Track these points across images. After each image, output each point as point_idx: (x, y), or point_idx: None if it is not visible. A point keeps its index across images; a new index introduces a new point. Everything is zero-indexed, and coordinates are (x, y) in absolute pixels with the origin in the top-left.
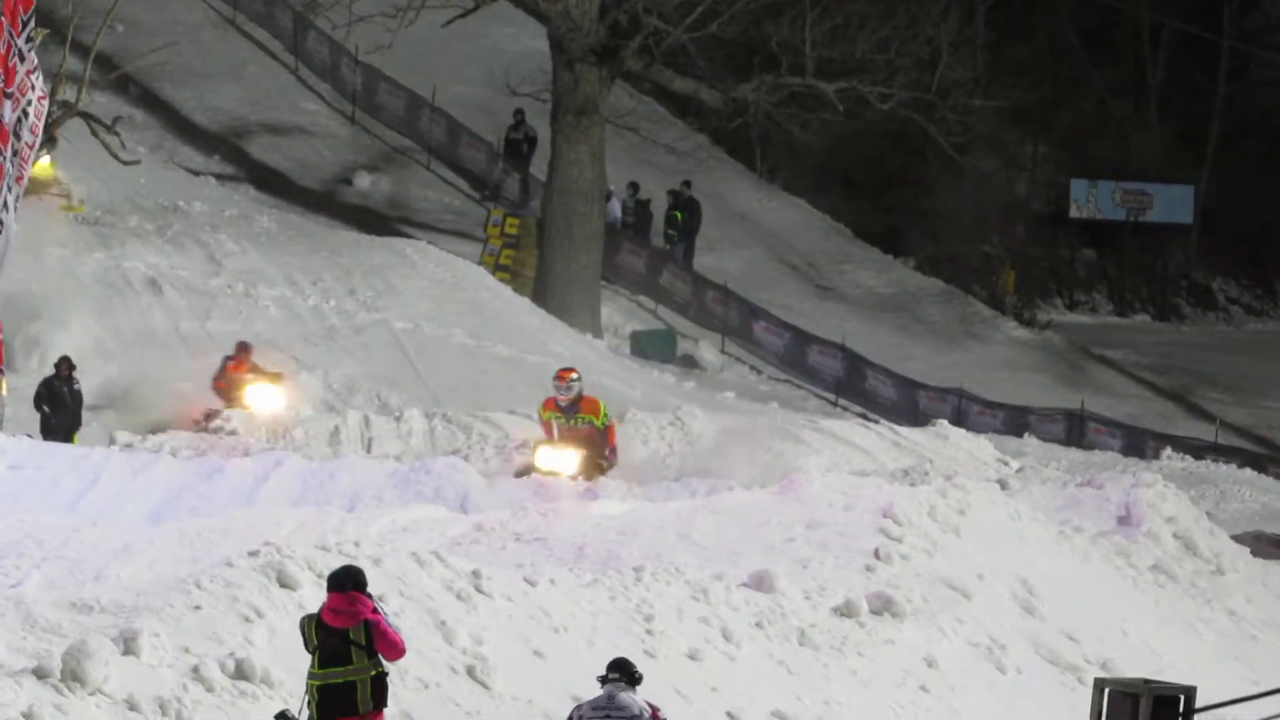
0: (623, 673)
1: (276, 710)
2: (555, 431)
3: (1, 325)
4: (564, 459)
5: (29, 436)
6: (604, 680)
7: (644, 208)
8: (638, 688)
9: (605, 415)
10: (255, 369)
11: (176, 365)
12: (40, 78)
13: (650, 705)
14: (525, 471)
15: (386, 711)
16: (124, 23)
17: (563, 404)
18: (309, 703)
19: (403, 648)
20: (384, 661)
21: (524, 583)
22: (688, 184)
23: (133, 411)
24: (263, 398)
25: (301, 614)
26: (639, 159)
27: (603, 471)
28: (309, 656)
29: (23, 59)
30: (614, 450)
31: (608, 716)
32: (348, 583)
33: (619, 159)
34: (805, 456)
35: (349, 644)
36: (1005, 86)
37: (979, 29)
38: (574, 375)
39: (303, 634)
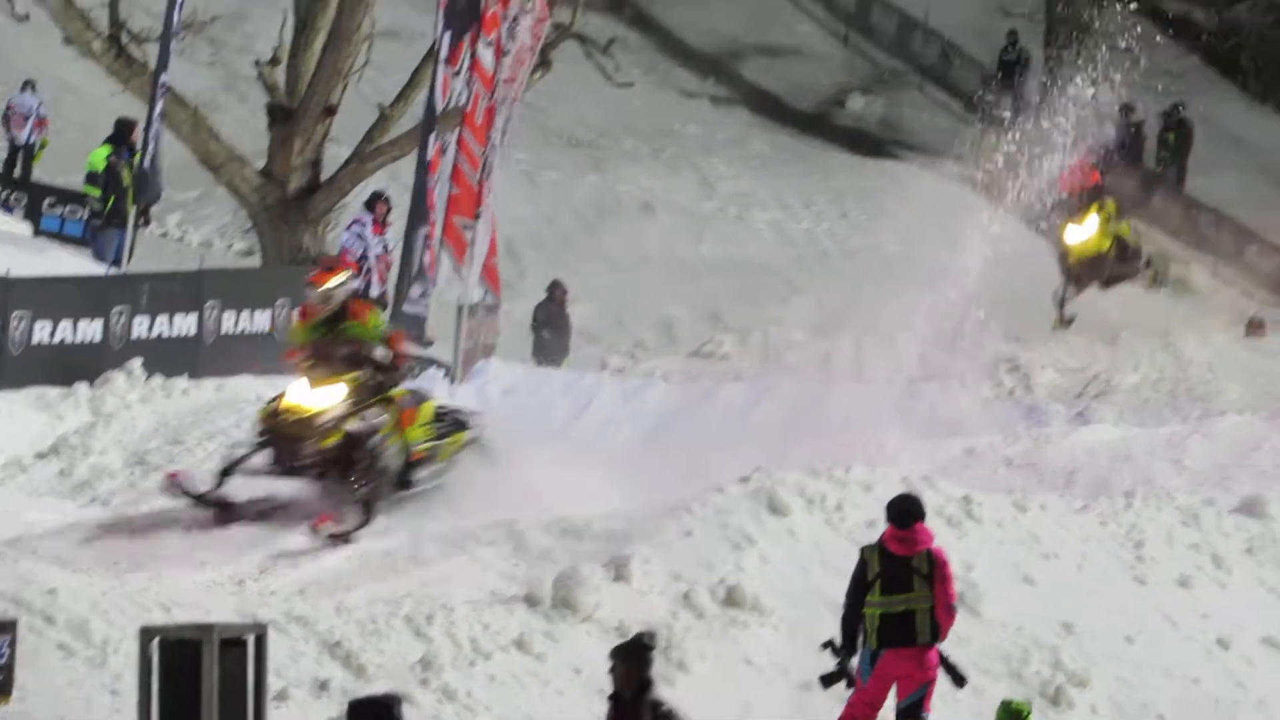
0: None
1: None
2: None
3: (496, 248)
4: (321, 394)
5: (521, 362)
6: None
7: (1137, 129)
8: None
9: (377, 322)
10: None
11: (671, 289)
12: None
13: None
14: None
15: None
16: None
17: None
18: (869, 631)
19: (953, 612)
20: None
21: (1014, 508)
22: (1180, 106)
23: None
24: None
25: (791, 541)
26: (1131, 80)
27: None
28: (867, 586)
29: None
30: (402, 356)
31: None
32: (910, 513)
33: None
34: None
35: (911, 571)
36: None
37: None
38: (335, 279)
39: (864, 561)
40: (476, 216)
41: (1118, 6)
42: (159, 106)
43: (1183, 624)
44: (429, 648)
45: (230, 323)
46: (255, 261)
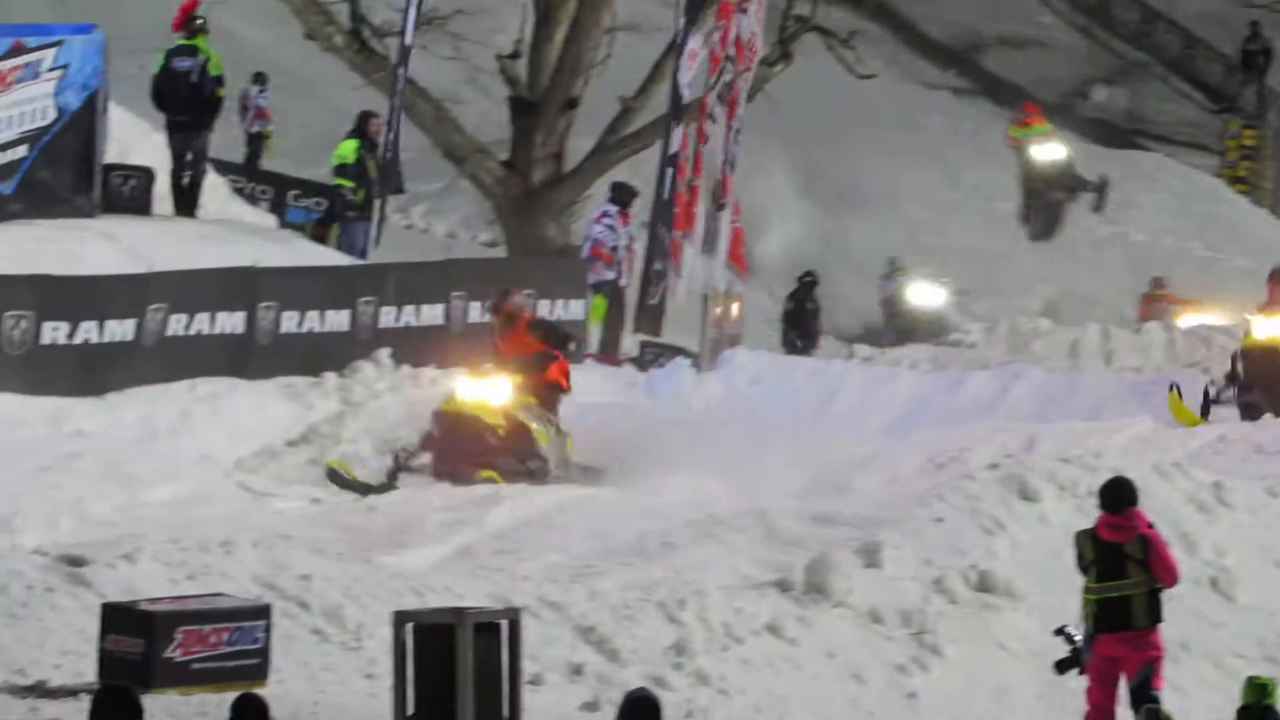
0: None
1: (1056, 626)
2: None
3: (742, 236)
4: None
5: (769, 350)
6: None
7: None
8: None
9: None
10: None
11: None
12: None
13: None
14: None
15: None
16: None
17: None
18: (1086, 617)
19: (1176, 573)
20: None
21: (1266, 494)
22: None
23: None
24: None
25: (1042, 526)
26: None
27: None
28: (1084, 571)
29: None
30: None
31: None
32: (1122, 498)
33: None
34: None
35: (1124, 558)
36: None
37: None
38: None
39: (1077, 549)
40: (720, 206)
41: None
42: (400, 100)
43: None
44: (682, 632)
45: (476, 313)
46: (500, 253)
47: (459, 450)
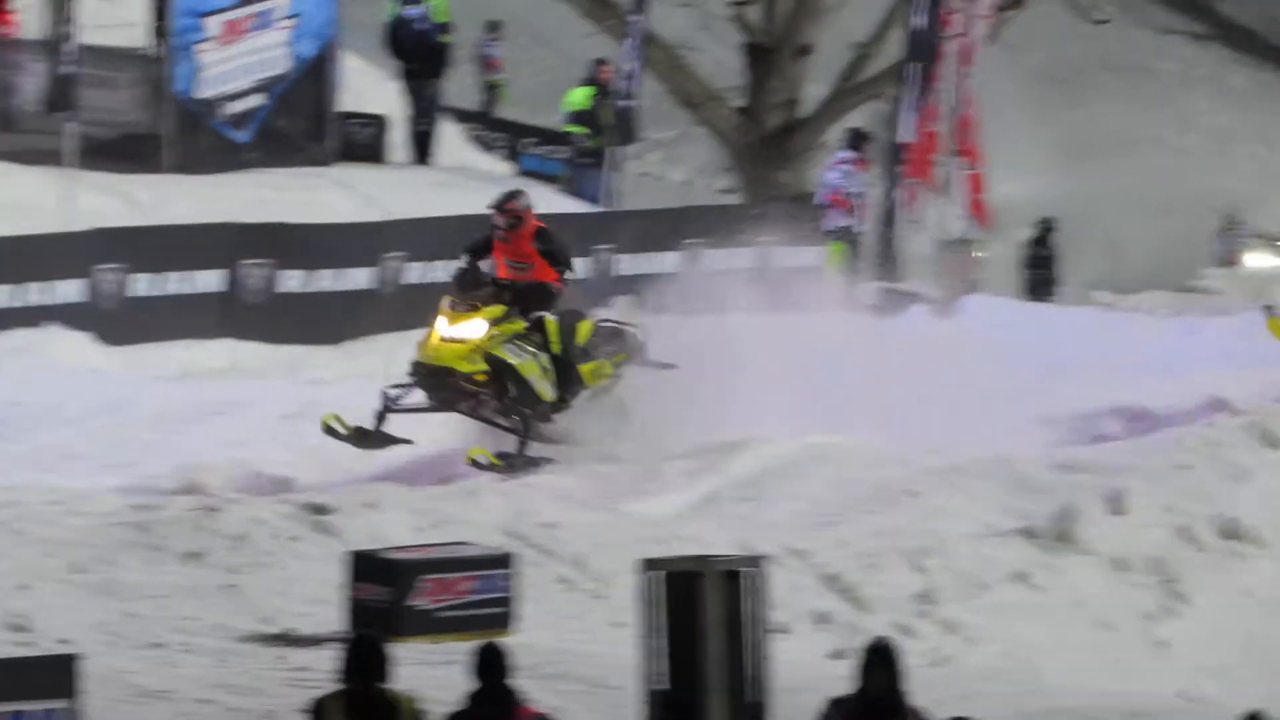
0: None
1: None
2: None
3: (982, 183)
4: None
5: (1008, 298)
6: None
7: None
8: None
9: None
10: None
11: (1155, 224)
12: None
13: None
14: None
15: None
16: None
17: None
18: None
19: None
20: None
21: None
22: None
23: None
24: None
25: None
26: None
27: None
28: None
29: None
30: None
31: None
32: None
33: None
34: None
35: None
36: None
37: None
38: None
39: None
40: (956, 152)
41: None
42: (634, 47)
43: None
44: (928, 581)
45: (712, 260)
46: (736, 200)
47: (440, 401)
